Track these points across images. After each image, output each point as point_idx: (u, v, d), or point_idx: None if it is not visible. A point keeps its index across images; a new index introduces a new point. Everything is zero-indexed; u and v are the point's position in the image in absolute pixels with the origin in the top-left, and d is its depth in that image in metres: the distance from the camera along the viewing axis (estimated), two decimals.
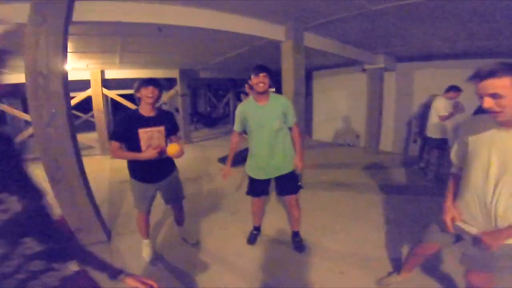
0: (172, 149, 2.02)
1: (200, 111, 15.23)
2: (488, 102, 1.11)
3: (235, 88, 12.08)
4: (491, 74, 1.09)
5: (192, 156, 6.69)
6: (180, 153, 2.06)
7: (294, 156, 2.35)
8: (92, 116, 7.88)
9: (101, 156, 6.91)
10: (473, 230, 1.34)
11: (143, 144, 2.04)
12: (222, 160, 5.21)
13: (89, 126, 9.68)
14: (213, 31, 3.30)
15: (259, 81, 2.12)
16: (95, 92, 6.95)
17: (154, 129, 2.08)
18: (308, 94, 8.25)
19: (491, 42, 4.13)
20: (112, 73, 7.12)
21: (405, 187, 4.33)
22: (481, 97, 1.14)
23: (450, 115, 3.92)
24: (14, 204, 0.76)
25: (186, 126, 8.68)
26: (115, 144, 2.04)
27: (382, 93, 6.29)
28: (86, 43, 4.34)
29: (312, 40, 4.11)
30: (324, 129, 8.52)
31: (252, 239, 2.68)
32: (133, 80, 7.31)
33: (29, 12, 2.21)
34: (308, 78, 9.07)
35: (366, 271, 2.22)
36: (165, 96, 8.47)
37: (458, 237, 1.48)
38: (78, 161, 2.54)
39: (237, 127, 2.35)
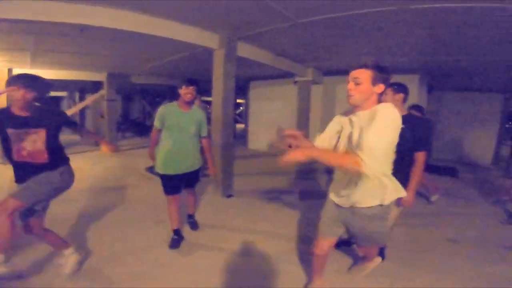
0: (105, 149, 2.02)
1: (132, 119, 14.20)
2: (350, 85, 1.45)
3: (174, 95, 11.62)
4: (361, 66, 1.43)
5: (117, 165, 6.23)
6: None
7: (200, 158, 2.77)
8: None
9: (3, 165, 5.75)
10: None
11: (14, 144, 1.83)
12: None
13: None
14: (145, 35, 3.21)
15: (189, 92, 2.52)
16: None
17: (25, 131, 1.83)
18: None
19: (403, 59, 4.90)
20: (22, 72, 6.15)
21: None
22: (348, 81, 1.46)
23: None
24: None
25: (111, 133, 7.96)
26: None
27: (310, 104, 6.86)
28: None
29: (246, 50, 4.30)
30: (260, 138, 8.80)
31: (174, 244, 2.66)
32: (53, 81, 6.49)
33: None
34: (246, 87, 9.41)
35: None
36: (89, 99, 7.70)
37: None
38: None
39: (157, 124, 2.63)
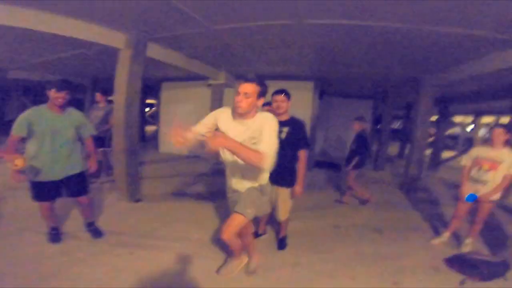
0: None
1: (9, 119, 11.57)
2: (240, 98, 1.73)
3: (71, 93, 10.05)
4: (249, 80, 1.75)
5: None
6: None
7: (79, 160, 2.64)
8: None
9: None
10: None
11: None
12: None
13: None
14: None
15: (60, 97, 2.36)
16: None
17: None
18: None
19: (301, 67, 5.67)
20: None
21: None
22: (238, 94, 1.75)
23: None
24: None
25: None
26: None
27: (222, 107, 7.18)
28: None
29: (157, 52, 4.25)
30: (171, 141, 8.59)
31: (53, 238, 2.68)
32: None
33: None
34: (157, 89, 9.05)
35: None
36: None
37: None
38: None
39: (20, 130, 2.31)
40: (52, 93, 2.34)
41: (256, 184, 2.00)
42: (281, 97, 2.54)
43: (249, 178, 1.99)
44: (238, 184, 2.04)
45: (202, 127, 1.94)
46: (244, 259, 2.45)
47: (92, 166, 2.82)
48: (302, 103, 7.19)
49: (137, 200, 4.04)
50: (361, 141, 4.42)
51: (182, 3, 2.70)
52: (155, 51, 4.20)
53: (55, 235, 2.69)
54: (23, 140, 2.38)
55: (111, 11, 2.96)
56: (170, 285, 2.26)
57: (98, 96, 4.82)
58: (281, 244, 2.95)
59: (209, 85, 7.20)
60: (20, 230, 2.88)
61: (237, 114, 1.81)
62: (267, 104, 2.66)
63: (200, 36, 3.67)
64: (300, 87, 7.20)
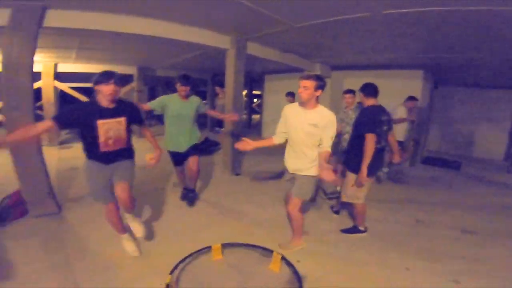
0: (148, 158, 2.33)
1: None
2: (301, 90, 2.18)
3: (193, 87, 12.48)
4: (307, 77, 2.17)
5: (143, 147, 7.05)
6: (154, 162, 2.34)
7: (198, 135, 3.38)
8: (39, 108, 7.68)
9: (48, 147, 6.79)
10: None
11: (101, 134, 2.02)
12: None
13: (36, 118, 9.25)
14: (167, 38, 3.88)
15: (183, 90, 3.11)
16: (46, 84, 6.92)
17: (113, 120, 2.04)
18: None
19: (395, 56, 5.26)
20: (66, 67, 7.14)
21: None
22: (299, 87, 2.19)
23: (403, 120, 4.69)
24: None
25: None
26: (50, 123, 1.90)
27: None
28: (43, 40, 4.55)
29: (255, 49, 4.90)
30: (273, 128, 9.36)
31: (185, 197, 3.57)
32: (87, 74, 7.47)
33: (8, 17, 2.62)
34: (261, 81, 9.99)
35: None
36: (122, 91, 8.58)
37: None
38: (37, 141, 2.99)
39: (155, 105, 3.15)
40: (177, 87, 3.10)
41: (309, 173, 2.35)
42: (360, 94, 2.86)
43: (305, 165, 2.35)
44: (295, 167, 2.42)
45: (282, 126, 2.45)
46: (303, 243, 2.71)
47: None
48: (409, 92, 6.46)
49: (237, 174, 4.94)
50: None
51: (264, 8, 3.13)
52: (254, 48, 4.87)
53: (185, 194, 3.61)
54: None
55: (218, 20, 3.71)
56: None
57: (218, 89, 6.08)
58: (347, 231, 3.02)
59: None
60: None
61: (301, 104, 2.28)
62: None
63: (287, 33, 4.04)
64: (406, 76, 6.52)
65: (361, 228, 2.99)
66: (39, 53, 5.69)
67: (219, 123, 5.75)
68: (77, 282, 2.05)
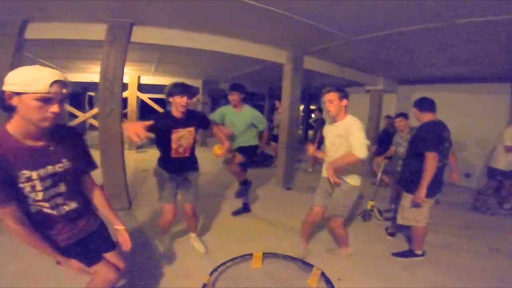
0: (216, 149, 2.51)
1: None
2: (327, 105, 2.22)
3: (252, 99, 13.11)
4: (329, 91, 2.20)
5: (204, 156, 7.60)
6: (223, 154, 2.55)
7: (254, 144, 3.38)
8: (125, 116, 8.97)
9: (128, 150, 7.88)
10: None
11: (173, 143, 2.21)
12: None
13: None
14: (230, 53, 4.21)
15: (232, 99, 3.18)
16: (131, 94, 8.13)
17: (185, 130, 2.22)
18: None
19: (474, 68, 4.72)
20: (147, 79, 8.29)
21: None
22: (324, 102, 2.24)
23: None
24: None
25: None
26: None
27: (380, 113, 6.90)
28: (130, 54, 5.42)
29: (312, 63, 4.93)
30: None
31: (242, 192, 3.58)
32: (163, 86, 8.46)
33: (106, 32, 3.23)
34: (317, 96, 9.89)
35: None
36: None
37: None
38: (121, 143, 3.50)
39: (216, 118, 3.21)
40: (229, 97, 3.18)
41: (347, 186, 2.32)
42: (414, 110, 2.65)
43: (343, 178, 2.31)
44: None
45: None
46: (350, 250, 2.69)
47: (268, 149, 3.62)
48: (493, 109, 5.62)
49: (288, 188, 4.91)
50: None
51: (319, 23, 3.19)
52: (311, 63, 4.91)
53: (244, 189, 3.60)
54: None
55: (276, 35, 3.89)
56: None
57: (277, 103, 6.31)
58: (401, 254, 2.76)
59: (367, 91, 7.14)
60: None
61: (332, 118, 2.34)
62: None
63: (345, 47, 3.99)
64: (490, 90, 5.72)
65: (418, 252, 2.70)
66: (127, 66, 6.76)
67: (274, 138, 5.80)
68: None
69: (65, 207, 1.26)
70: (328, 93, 2.21)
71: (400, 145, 3.64)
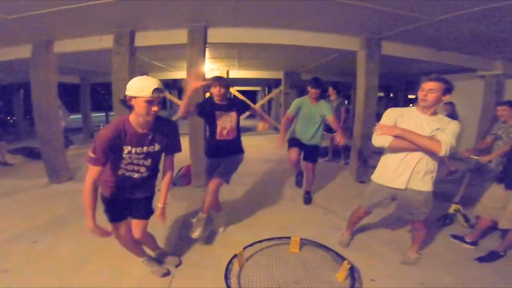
0: (260, 126, 2.85)
1: None
2: (426, 93, 1.87)
3: (338, 89, 12.39)
4: (433, 79, 1.86)
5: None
6: (266, 128, 2.85)
7: (319, 138, 3.44)
8: None
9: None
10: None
11: (218, 124, 2.52)
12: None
13: None
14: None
15: (314, 92, 3.24)
16: None
17: (226, 113, 2.53)
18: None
19: None
20: (235, 73, 9.06)
21: None
22: (422, 90, 1.88)
23: None
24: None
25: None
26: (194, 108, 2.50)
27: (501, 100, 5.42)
28: (216, 51, 6.11)
29: (393, 49, 4.36)
30: None
31: (298, 182, 3.72)
32: (249, 80, 9.28)
33: (187, 36, 3.82)
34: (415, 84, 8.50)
35: None
36: (272, 93, 9.94)
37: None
38: (204, 130, 4.06)
39: (292, 110, 3.35)
40: (308, 89, 3.27)
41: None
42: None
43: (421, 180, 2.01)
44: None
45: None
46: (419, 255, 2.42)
47: (340, 140, 3.22)
48: None
49: (362, 182, 4.48)
50: None
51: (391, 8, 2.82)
52: (392, 48, 4.34)
53: (299, 180, 3.71)
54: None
55: (346, 22, 3.64)
56: None
57: (330, 90, 5.80)
58: (484, 258, 2.37)
59: (482, 76, 5.74)
60: None
61: (420, 108, 1.97)
62: None
63: (429, 27, 3.36)
64: None
65: (502, 253, 2.39)
66: (216, 62, 7.60)
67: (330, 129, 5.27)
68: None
69: (142, 174, 1.78)
70: (430, 81, 1.88)
71: (500, 139, 3.05)
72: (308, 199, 3.65)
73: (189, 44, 3.85)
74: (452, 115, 4.94)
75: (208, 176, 2.70)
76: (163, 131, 1.74)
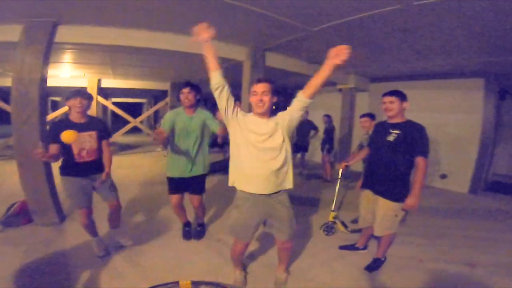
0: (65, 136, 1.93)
1: None
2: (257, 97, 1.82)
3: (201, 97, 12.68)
4: (261, 81, 1.85)
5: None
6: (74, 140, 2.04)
7: (205, 161, 2.73)
8: None
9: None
10: None
11: (74, 147, 2.21)
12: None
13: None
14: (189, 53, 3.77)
15: (185, 97, 2.53)
16: None
17: (85, 133, 2.24)
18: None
19: (446, 62, 4.52)
20: (108, 82, 7.74)
21: None
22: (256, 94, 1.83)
23: None
24: None
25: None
26: (53, 146, 2.14)
27: (354, 112, 6.69)
28: (81, 55, 4.94)
29: (275, 60, 4.59)
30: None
31: (185, 235, 2.91)
32: (128, 90, 8.04)
33: (20, 34, 2.77)
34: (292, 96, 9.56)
35: None
36: (156, 106, 9.08)
37: None
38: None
39: (165, 127, 2.53)
40: (181, 96, 2.58)
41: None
42: (391, 98, 2.26)
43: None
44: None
45: None
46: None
47: None
48: (465, 105, 5.50)
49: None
50: None
51: (273, 13, 2.86)
52: (274, 60, 4.56)
53: (187, 232, 2.95)
54: None
55: (234, 31, 3.52)
56: None
57: (237, 103, 5.79)
58: (371, 266, 2.48)
59: (339, 89, 6.91)
60: None
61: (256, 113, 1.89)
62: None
63: (307, 40, 3.67)
64: (463, 86, 5.55)
65: (382, 259, 2.54)
66: (82, 69, 6.23)
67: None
68: None
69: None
70: (263, 83, 1.85)
71: (363, 147, 3.29)
72: (200, 232, 3.02)
73: (21, 44, 2.82)
74: (330, 126, 5.84)
75: (78, 201, 2.33)
76: None
